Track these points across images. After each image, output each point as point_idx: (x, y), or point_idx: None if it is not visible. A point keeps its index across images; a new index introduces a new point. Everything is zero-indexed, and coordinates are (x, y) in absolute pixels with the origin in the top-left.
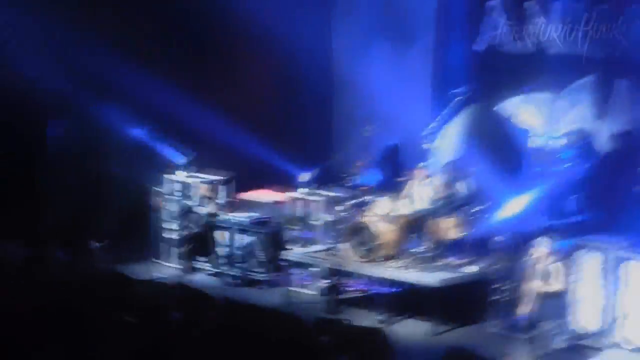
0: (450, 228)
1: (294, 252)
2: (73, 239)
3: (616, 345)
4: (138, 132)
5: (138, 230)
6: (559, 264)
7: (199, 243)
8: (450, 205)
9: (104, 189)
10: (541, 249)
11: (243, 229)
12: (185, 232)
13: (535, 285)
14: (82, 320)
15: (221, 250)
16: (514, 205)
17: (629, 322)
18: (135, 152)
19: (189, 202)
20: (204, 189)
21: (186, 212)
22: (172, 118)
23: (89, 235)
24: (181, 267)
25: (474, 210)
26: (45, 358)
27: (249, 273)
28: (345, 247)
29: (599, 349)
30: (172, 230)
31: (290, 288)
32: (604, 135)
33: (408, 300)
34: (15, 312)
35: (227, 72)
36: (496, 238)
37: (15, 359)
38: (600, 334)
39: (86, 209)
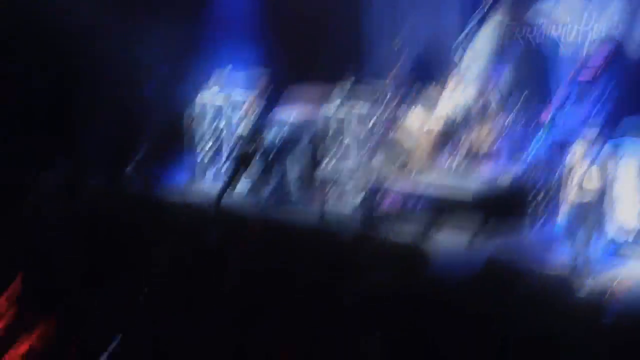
0: (484, 138)
1: (329, 169)
2: (109, 165)
3: None
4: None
5: (173, 152)
6: (597, 168)
7: (234, 163)
8: (483, 115)
9: (137, 112)
10: (578, 154)
11: (277, 147)
12: (220, 153)
13: (573, 191)
14: (121, 245)
15: (256, 170)
16: (549, 113)
17: None
18: (166, 73)
19: (223, 122)
20: (237, 106)
21: (219, 131)
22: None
23: (125, 161)
24: (217, 188)
25: (508, 119)
26: (88, 281)
27: (283, 192)
28: (379, 162)
29: (637, 256)
30: (206, 151)
31: (326, 205)
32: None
33: (445, 212)
34: (58, 239)
35: None
36: (532, 145)
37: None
38: (638, 239)
39: (121, 134)
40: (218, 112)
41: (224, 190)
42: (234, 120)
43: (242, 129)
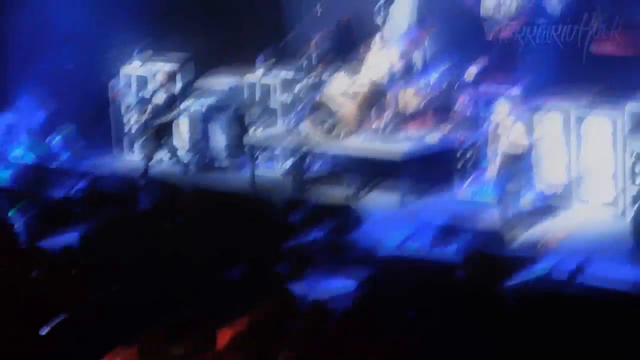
0: (410, 99)
1: (256, 135)
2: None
3: (582, 202)
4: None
5: (99, 123)
6: (522, 125)
7: (159, 132)
8: (408, 75)
9: (62, 83)
10: (502, 112)
11: (202, 115)
12: (144, 122)
13: (499, 148)
14: (51, 215)
15: (182, 138)
16: (471, 71)
17: (593, 178)
18: (90, 43)
19: (147, 92)
20: (161, 76)
21: (144, 102)
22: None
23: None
24: (143, 158)
25: (432, 79)
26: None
27: (211, 159)
28: (306, 126)
29: (565, 207)
30: (132, 122)
31: (255, 171)
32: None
33: (373, 173)
34: None
35: None
36: (456, 105)
37: None
38: (565, 191)
39: (47, 104)
40: (142, 83)
41: (148, 159)
42: (158, 91)
43: (164, 98)
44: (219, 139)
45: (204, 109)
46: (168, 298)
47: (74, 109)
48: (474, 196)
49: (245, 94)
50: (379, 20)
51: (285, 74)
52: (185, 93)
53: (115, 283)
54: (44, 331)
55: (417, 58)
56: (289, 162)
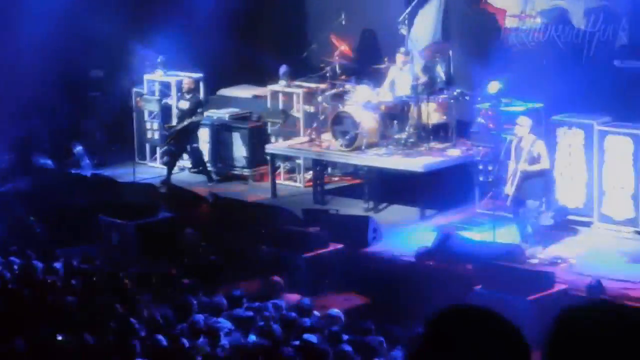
0: (431, 113)
1: (277, 145)
2: (55, 145)
3: (603, 219)
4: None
5: (121, 131)
6: (542, 141)
7: (181, 140)
8: (430, 89)
9: (84, 93)
10: (523, 128)
11: (224, 125)
12: (166, 131)
13: (519, 164)
14: (71, 222)
15: (204, 147)
16: (494, 86)
17: (613, 196)
18: (113, 54)
19: (169, 100)
20: (187, 82)
21: (166, 110)
22: (146, 17)
23: (72, 140)
24: (165, 165)
25: (454, 94)
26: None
27: (232, 168)
28: (328, 137)
29: (586, 223)
30: (153, 129)
31: (276, 181)
32: (580, 11)
33: (394, 186)
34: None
35: None
36: (478, 119)
37: None
38: (586, 208)
39: (68, 113)
40: (164, 93)
41: (170, 167)
42: (180, 99)
43: (187, 106)
44: (241, 149)
45: (226, 118)
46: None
47: (98, 116)
48: (494, 210)
49: (268, 104)
50: (403, 31)
51: (308, 84)
52: (207, 101)
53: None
54: None
55: (440, 71)
56: (309, 173)
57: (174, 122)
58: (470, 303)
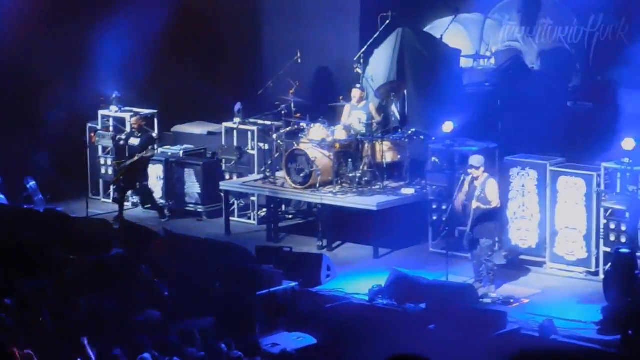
0: (386, 151)
1: (232, 182)
2: (8, 180)
3: (555, 259)
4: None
5: (73, 166)
6: (494, 179)
7: (130, 178)
8: (384, 128)
9: (37, 126)
10: (476, 168)
11: (178, 161)
12: (116, 167)
13: (472, 203)
14: (24, 257)
15: (157, 183)
16: (448, 126)
17: (566, 236)
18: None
19: (122, 136)
20: (135, 120)
21: (120, 146)
22: (101, 54)
23: (25, 174)
24: (116, 201)
25: (408, 133)
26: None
27: (186, 205)
28: (282, 175)
29: (538, 264)
30: (107, 165)
31: (230, 218)
32: (534, 53)
33: (348, 224)
34: None
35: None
36: (432, 159)
37: None
38: (538, 248)
39: (21, 146)
40: (118, 124)
41: (121, 202)
42: (133, 136)
43: (139, 142)
44: (195, 185)
45: (180, 154)
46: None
47: (51, 151)
48: (446, 249)
49: (223, 141)
50: (358, 70)
51: (263, 121)
52: (160, 138)
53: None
54: None
55: (395, 110)
56: (263, 210)
57: (124, 158)
58: (422, 343)
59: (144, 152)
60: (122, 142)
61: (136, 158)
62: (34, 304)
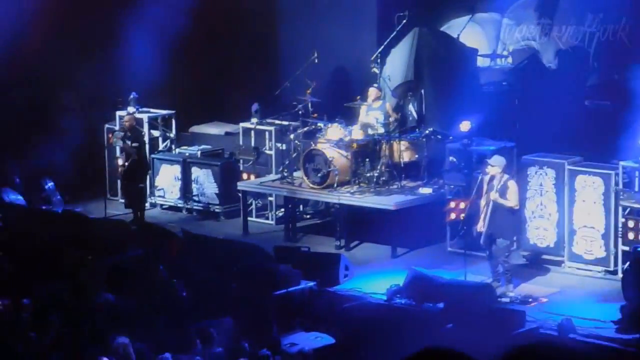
0: (403, 151)
1: (249, 182)
2: (26, 180)
3: (573, 258)
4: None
5: (92, 167)
6: (513, 180)
7: (130, 179)
8: (402, 128)
9: (56, 127)
10: (495, 167)
11: (196, 162)
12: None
13: (491, 194)
14: (42, 258)
15: (174, 184)
16: (465, 125)
17: (584, 235)
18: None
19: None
20: (127, 120)
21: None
22: (119, 55)
23: (43, 175)
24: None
25: (426, 132)
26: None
27: (204, 205)
28: (299, 175)
29: (557, 263)
30: (125, 165)
31: (247, 218)
32: (551, 51)
33: (365, 224)
34: None
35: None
36: (449, 158)
37: None
38: (556, 247)
39: (39, 147)
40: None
41: (132, 205)
42: (125, 138)
43: (161, 145)
44: (212, 185)
45: (198, 154)
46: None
47: (69, 152)
48: (464, 249)
49: (240, 141)
50: (375, 70)
51: (280, 121)
52: (179, 138)
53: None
54: None
55: (412, 110)
56: (281, 210)
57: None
58: (440, 342)
59: (134, 154)
60: (116, 144)
61: (127, 163)
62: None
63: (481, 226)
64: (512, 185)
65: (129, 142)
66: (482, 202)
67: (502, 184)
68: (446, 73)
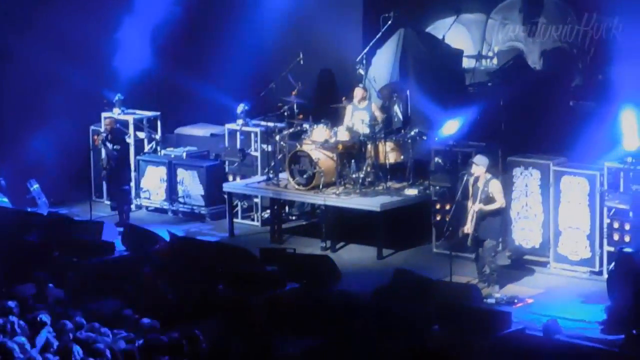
0: (388, 152)
1: (235, 184)
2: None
3: (558, 259)
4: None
5: (78, 169)
6: (496, 180)
7: (114, 181)
8: (387, 129)
9: (41, 128)
10: (479, 167)
11: (181, 163)
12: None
13: (475, 205)
14: (27, 261)
15: (160, 185)
16: (451, 126)
17: (569, 236)
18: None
19: (127, 139)
20: (108, 123)
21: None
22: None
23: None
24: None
25: (411, 133)
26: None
27: (189, 207)
28: (285, 176)
29: (542, 263)
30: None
31: (233, 220)
32: (536, 52)
33: (351, 225)
34: None
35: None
36: (435, 159)
37: None
38: (542, 248)
39: (25, 149)
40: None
41: (116, 207)
42: (106, 140)
43: (110, 148)
44: (198, 187)
45: (183, 156)
46: None
47: (54, 153)
48: (450, 250)
49: (226, 142)
50: (360, 71)
51: (266, 122)
52: (164, 140)
53: None
54: None
55: (398, 111)
56: (267, 211)
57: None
58: (426, 343)
59: (114, 156)
60: (100, 147)
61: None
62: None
63: (468, 228)
64: (496, 184)
65: (109, 145)
66: (469, 203)
67: (484, 185)
68: (431, 74)
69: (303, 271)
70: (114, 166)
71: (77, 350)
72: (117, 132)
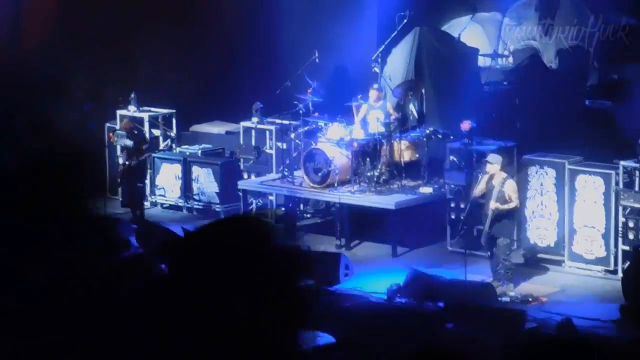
0: (403, 150)
1: (250, 182)
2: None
3: (573, 257)
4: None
5: (92, 165)
6: (512, 180)
7: (131, 179)
8: (402, 127)
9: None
10: (493, 165)
11: (196, 161)
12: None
13: (490, 204)
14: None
15: (175, 183)
16: (466, 125)
17: (584, 235)
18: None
19: (141, 135)
20: (124, 124)
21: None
22: (120, 54)
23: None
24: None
25: (426, 132)
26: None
27: (204, 204)
28: (300, 174)
29: (557, 262)
30: (126, 165)
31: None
32: (551, 51)
33: (366, 223)
34: None
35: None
36: (450, 157)
37: None
38: (557, 247)
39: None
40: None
41: (129, 204)
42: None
43: (131, 146)
44: (213, 184)
45: (198, 153)
46: None
47: (69, 150)
48: (464, 248)
49: (241, 140)
50: (376, 69)
51: (281, 120)
52: (179, 137)
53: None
54: None
55: (413, 109)
56: (281, 209)
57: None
58: (440, 342)
59: (140, 156)
60: (120, 144)
61: (133, 162)
62: None
63: (483, 225)
64: (512, 184)
65: (129, 143)
66: (482, 200)
67: (501, 184)
68: (447, 72)
69: (317, 268)
70: (137, 163)
71: None
72: (141, 131)
